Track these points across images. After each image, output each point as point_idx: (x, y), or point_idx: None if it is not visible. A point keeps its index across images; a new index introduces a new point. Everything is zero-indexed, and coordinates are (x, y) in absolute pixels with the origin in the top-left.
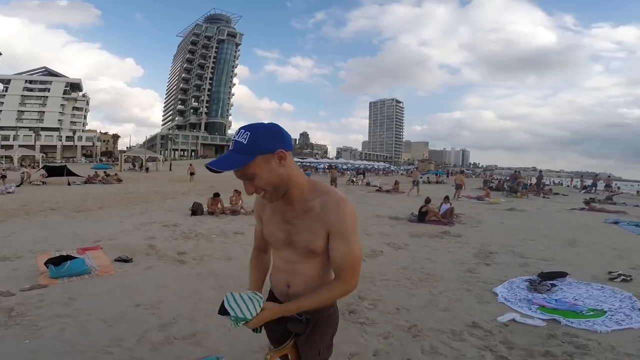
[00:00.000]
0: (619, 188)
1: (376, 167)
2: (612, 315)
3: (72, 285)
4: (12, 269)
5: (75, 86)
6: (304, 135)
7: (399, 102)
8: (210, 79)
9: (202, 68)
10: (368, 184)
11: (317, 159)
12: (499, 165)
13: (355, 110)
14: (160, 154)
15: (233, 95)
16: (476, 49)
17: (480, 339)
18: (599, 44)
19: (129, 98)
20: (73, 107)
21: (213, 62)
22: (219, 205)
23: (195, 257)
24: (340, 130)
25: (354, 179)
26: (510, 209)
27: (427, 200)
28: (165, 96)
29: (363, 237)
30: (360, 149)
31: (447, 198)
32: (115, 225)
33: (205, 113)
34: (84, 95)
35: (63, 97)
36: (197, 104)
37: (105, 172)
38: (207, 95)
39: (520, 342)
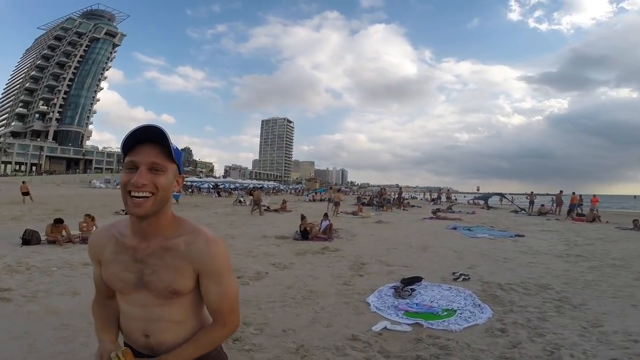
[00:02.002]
0: (456, 199)
1: (266, 186)
2: (460, 314)
3: None
4: None
5: None
6: (187, 151)
7: (290, 121)
8: (71, 80)
9: (61, 67)
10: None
11: (200, 177)
12: (370, 183)
13: (247, 128)
14: None
15: (98, 100)
16: (356, 76)
17: (360, 351)
18: (445, 77)
19: None
20: None
21: (78, 61)
22: (63, 233)
23: (25, 294)
24: (230, 148)
25: (241, 199)
26: (378, 221)
27: (302, 217)
28: (2, 95)
29: (248, 259)
30: (250, 167)
31: (326, 215)
32: None
33: (57, 119)
34: None
35: None
36: (46, 107)
37: None
38: (63, 99)
39: (394, 349)
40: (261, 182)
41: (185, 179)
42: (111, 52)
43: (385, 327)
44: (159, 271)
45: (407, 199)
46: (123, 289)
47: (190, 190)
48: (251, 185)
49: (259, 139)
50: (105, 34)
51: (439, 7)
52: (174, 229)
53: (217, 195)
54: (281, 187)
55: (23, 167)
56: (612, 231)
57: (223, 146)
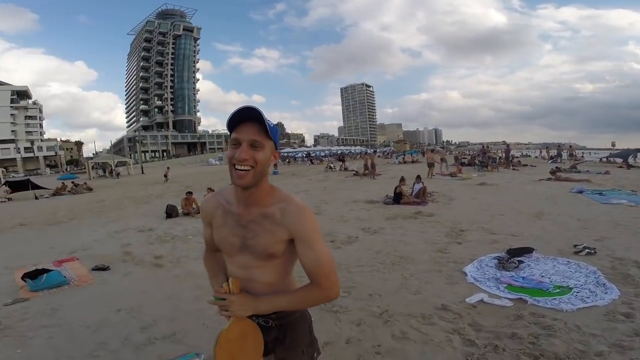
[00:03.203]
0: (582, 156)
1: (353, 151)
2: (577, 292)
3: (53, 297)
4: None
5: (22, 94)
6: (279, 126)
7: (369, 86)
8: (172, 75)
9: (160, 65)
10: (346, 169)
11: (294, 148)
12: (470, 142)
13: (327, 97)
14: (130, 157)
15: (198, 90)
16: (433, 32)
17: (449, 322)
18: (546, 24)
19: (85, 103)
20: (25, 117)
21: (172, 58)
22: (194, 205)
23: (172, 260)
24: (315, 118)
25: (332, 165)
26: (481, 183)
27: (402, 179)
28: (126, 97)
29: (340, 224)
30: (336, 134)
31: (419, 177)
32: (89, 235)
33: (172, 111)
34: (34, 103)
35: (11, 107)
36: (161, 102)
37: (73, 182)
38: (171, 92)
39: (488, 324)
40: (348, 147)
41: (282, 150)
42: (195, 46)
43: (482, 300)
44: (258, 236)
45: (517, 157)
46: (229, 251)
47: (287, 160)
48: (339, 152)
49: (340, 107)
50: (184, 29)
51: None
52: (271, 198)
53: (310, 163)
54: (369, 151)
55: (157, 154)
56: None
57: (309, 117)
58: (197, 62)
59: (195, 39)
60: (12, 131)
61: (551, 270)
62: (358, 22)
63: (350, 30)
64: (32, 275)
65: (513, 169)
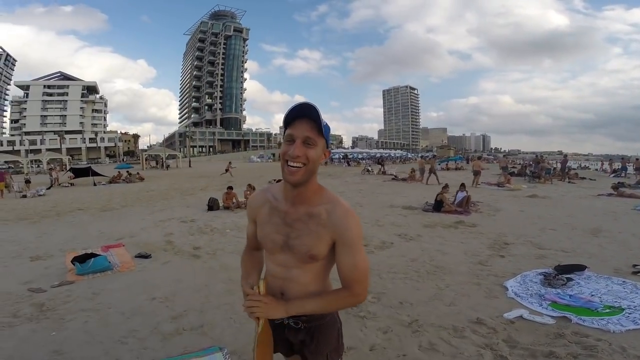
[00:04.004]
0: None
1: (392, 155)
2: (630, 314)
3: (96, 281)
4: (44, 267)
5: (91, 89)
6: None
7: (413, 88)
8: (222, 75)
9: (212, 65)
10: (384, 172)
11: (331, 149)
12: (522, 150)
13: (368, 99)
14: (180, 151)
15: (245, 90)
16: (485, 34)
17: (482, 337)
18: (613, 26)
19: (144, 98)
20: (92, 110)
21: (222, 58)
22: (234, 200)
23: (209, 252)
24: (354, 120)
25: (369, 168)
26: (532, 195)
27: (445, 186)
28: (180, 94)
29: (374, 228)
30: (376, 137)
31: (462, 186)
32: (137, 222)
33: (220, 109)
34: (101, 98)
35: (81, 101)
36: (210, 100)
37: (127, 171)
38: (220, 91)
39: (524, 340)
40: (387, 150)
41: None
42: (244, 46)
43: (521, 316)
44: (302, 236)
45: (574, 169)
46: (272, 249)
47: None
48: (378, 155)
49: (382, 109)
50: (234, 30)
51: None
52: (318, 198)
53: (346, 164)
54: (409, 156)
55: (204, 150)
56: None
57: (348, 119)
58: (245, 62)
59: (244, 40)
60: (80, 123)
61: (603, 290)
62: (402, 24)
63: (394, 32)
64: (81, 259)
65: (569, 182)
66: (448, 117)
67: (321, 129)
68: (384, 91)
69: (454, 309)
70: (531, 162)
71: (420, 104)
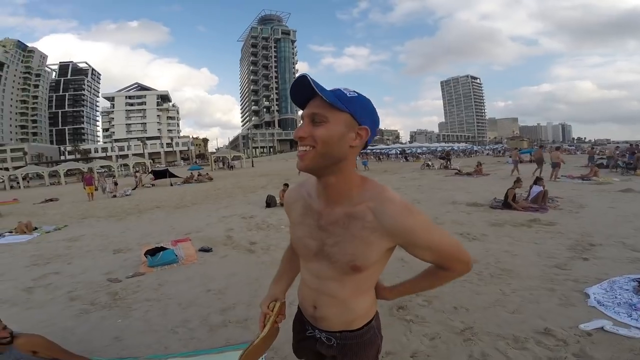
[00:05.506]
0: None
1: (455, 148)
2: None
3: (163, 273)
4: (123, 259)
5: (164, 98)
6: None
7: (475, 78)
8: (276, 77)
9: (266, 68)
10: (446, 167)
11: (387, 144)
12: (611, 139)
13: (424, 92)
14: (243, 152)
15: None
16: (550, 18)
17: (547, 349)
18: None
19: (210, 105)
20: (167, 117)
21: (275, 61)
22: None
23: (263, 247)
24: (411, 114)
25: (429, 163)
26: (625, 189)
27: (517, 180)
28: (240, 99)
29: None
30: (437, 130)
31: (538, 179)
32: (204, 218)
33: (277, 111)
34: (173, 105)
35: (157, 109)
36: (268, 102)
37: (199, 172)
38: (276, 93)
39: (600, 356)
40: (450, 144)
41: (374, 147)
42: (292, 48)
43: (602, 328)
44: (342, 242)
45: None
46: (305, 255)
47: (379, 157)
48: (440, 148)
49: (441, 101)
50: (282, 33)
51: None
52: (359, 193)
53: (404, 160)
54: (475, 148)
55: (265, 150)
56: None
57: (403, 113)
58: (296, 64)
59: (292, 42)
60: (158, 129)
61: None
62: (452, 13)
63: (444, 22)
64: (152, 252)
65: None
66: (518, 106)
67: (331, 98)
68: (442, 82)
69: (518, 317)
70: (624, 152)
71: (485, 94)
